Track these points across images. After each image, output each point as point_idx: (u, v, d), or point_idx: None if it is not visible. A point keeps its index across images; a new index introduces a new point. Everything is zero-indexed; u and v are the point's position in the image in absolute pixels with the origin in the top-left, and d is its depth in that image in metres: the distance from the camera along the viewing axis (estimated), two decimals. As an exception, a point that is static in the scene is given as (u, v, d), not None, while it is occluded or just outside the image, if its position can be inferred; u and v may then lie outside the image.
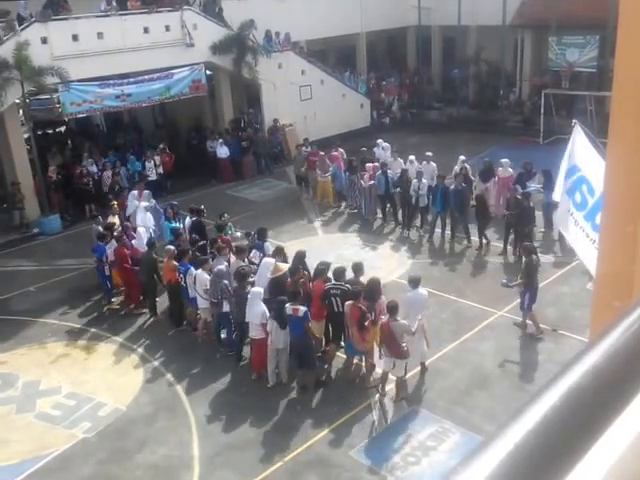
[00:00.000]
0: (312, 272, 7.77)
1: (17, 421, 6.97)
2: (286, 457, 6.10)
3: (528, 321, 7.93)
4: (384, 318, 6.57)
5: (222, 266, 7.91)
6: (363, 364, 7.30)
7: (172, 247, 8.61)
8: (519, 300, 7.97)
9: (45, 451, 6.41)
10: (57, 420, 6.91)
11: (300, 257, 7.98)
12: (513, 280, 8.04)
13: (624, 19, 1.34)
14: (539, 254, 8.84)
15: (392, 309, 6.50)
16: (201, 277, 7.88)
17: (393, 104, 19.66)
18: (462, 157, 12.15)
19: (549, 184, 9.58)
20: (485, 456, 0.47)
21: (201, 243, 9.10)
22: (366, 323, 6.74)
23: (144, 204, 10.62)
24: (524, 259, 8.08)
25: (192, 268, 8.05)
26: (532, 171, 11.17)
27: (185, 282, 8.15)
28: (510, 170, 11.38)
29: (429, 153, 12.18)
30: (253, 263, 8.24)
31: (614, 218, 1.40)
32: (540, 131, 16.43)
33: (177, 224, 9.97)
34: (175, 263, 8.35)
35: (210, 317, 8.13)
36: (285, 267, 7.73)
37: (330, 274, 7.48)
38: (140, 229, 9.71)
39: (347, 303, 6.82)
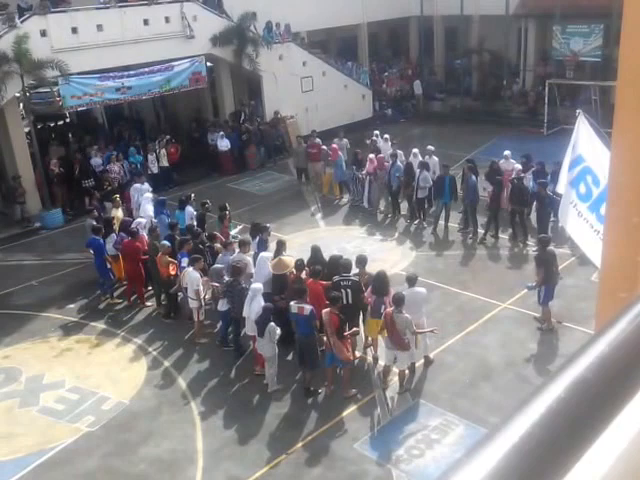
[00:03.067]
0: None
1: (21, 415, 6.97)
2: (290, 450, 6.08)
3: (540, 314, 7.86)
4: (389, 309, 6.52)
5: (220, 265, 7.82)
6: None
7: (167, 242, 8.55)
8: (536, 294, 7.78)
9: (49, 445, 6.41)
10: (61, 414, 6.91)
11: (317, 251, 7.86)
12: (534, 282, 7.78)
13: (629, 7, 1.30)
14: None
15: (398, 301, 6.45)
16: (192, 275, 7.74)
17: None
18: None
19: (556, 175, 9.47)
20: (489, 449, 0.46)
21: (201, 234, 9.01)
22: (345, 333, 6.61)
23: (148, 195, 10.52)
24: (537, 251, 7.94)
25: (184, 260, 7.94)
26: (530, 163, 11.00)
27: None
28: (512, 162, 11.26)
29: (431, 147, 12.06)
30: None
31: (619, 209, 1.37)
32: (544, 121, 16.26)
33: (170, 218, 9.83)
34: (169, 258, 8.30)
35: (202, 316, 7.99)
36: (291, 263, 7.58)
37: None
38: (141, 220, 9.59)
39: (324, 311, 6.62)
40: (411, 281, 7.02)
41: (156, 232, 8.87)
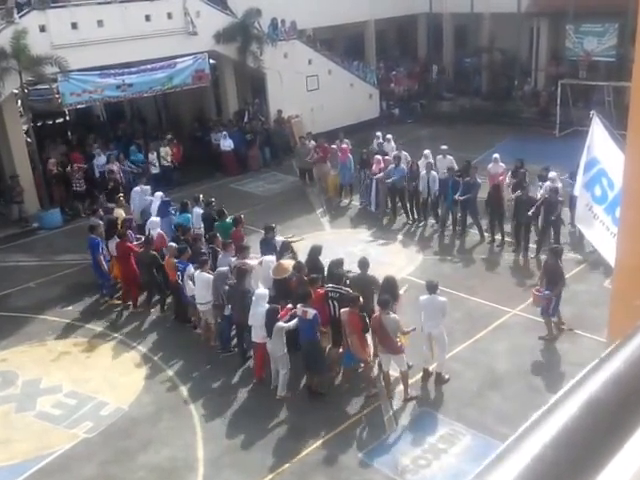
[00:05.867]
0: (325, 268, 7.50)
1: (17, 420, 6.84)
2: (293, 459, 5.93)
3: (555, 320, 7.61)
4: (377, 313, 6.39)
5: (224, 268, 7.66)
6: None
7: (173, 244, 8.40)
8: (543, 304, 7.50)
9: (46, 451, 6.27)
10: (58, 419, 6.77)
11: (315, 252, 7.68)
12: (549, 289, 7.40)
13: None
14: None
15: (383, 303, 6.33)
16: (202, 277, 7.59)
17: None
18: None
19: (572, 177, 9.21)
20: (500, 470, 0.45)
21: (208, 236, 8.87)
22: (369, 332, 6.51)
23: (159, 194, 10.38)
24: (547, 260, 7.68)
25: (190, 267, 7.82)
26: (521, 169, 10.61)
27: (182, 280, 7.92)
28: (502, 165, 11.04)
29: (444, 147, 11.88)
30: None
31: (634, 213, 1.29)
32: (556, 123, 15.95)
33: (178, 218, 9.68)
34: (174, 260, 8.14)
35: (212, 319, 7.87)
36: (290, 266, 7.41)
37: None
38: (155, 219, 9.44)
39: (343, 310, 6.54)
40: (431, 288, 6.75)
41: (152, 242, 8.69)
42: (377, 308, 6.67)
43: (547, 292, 7.41)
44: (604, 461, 0.47)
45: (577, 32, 16.12)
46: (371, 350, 6.86)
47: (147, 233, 9.15)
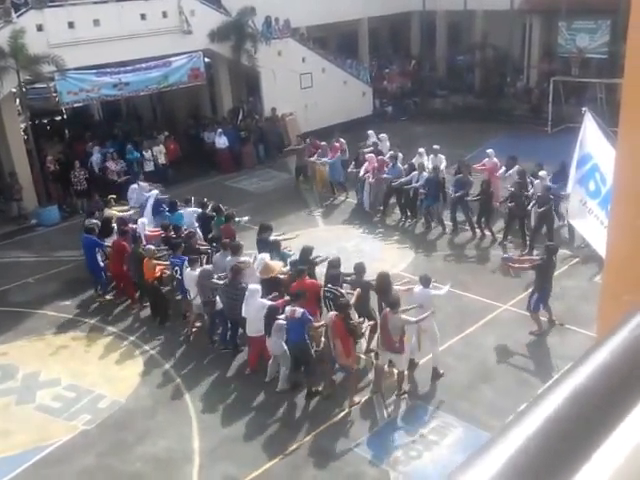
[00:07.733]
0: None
1: (17, 412, 6.96)
2: (287, 450, 6.05)
3: (546, 318, 7.75)
4: (386, 309, 6.49)
5: (209, 266, 7.83)
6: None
7: (152, 247, 8.50)
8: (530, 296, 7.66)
9: (45, 442, 6.39)
10: (57, 412, 6.89)
11: (306, 253, 7.77)
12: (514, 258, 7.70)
13: (636, 2, 1.25)
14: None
15: (394, 303, 6.43)
16: (189, 275, 7.78)
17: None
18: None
19: (562, 176, 9.35)
20: (484, 461, 0.45)
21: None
22: (365, 324, 6.59)
23: (154, 192, 10.44)
24: (542, 259, 7.76)
25: (187, 262, 7.94)
26: (514, 164, 10.81)
27: (181, 275, 8.03)
28: (495, 160, 11.23)
29: (437, 146, 12.04)
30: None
31: (624, 210, 1.33)
32: (548, 120, 16.04)
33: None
34: (155, 262, 8.25)
35: (199, 313, 8.01)
36: (278, 267, 7.51)
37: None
38: (144, 220, 9.55)
39: (330, 314, 6.65)
40: (425, 281, 6.92)
41: (140, 241, 8.80)
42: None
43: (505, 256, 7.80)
44: (589, 452, 0.47)
45: (569, 29, 16.20)
46: (363, 351, 6.94)
47: (135, 232, 9.22)
